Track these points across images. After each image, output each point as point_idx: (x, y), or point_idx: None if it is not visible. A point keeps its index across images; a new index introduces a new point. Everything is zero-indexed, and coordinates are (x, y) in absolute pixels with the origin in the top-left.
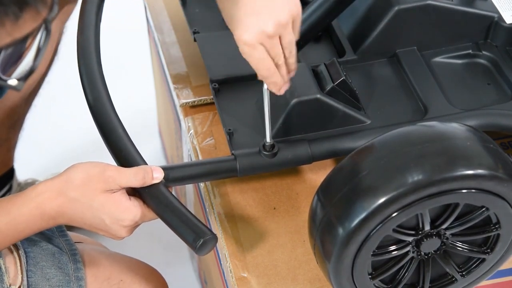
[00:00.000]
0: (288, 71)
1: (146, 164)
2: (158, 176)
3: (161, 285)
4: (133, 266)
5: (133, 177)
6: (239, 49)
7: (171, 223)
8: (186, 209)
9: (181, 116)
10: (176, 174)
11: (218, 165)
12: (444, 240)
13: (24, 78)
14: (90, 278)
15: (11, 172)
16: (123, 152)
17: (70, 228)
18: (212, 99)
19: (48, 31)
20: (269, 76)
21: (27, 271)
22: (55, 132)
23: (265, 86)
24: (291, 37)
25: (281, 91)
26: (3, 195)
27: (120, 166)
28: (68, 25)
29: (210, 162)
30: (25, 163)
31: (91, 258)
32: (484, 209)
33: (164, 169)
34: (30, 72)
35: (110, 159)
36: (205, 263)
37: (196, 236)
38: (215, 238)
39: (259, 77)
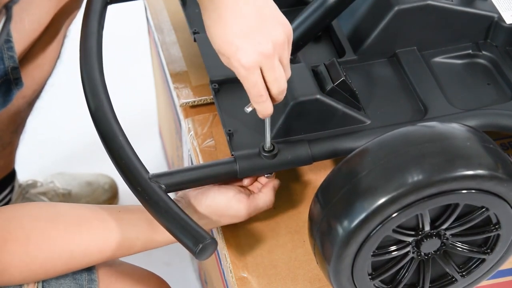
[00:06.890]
0: (275, 100)
1: (147, 172)
2: None
3: None
4: (144, 277)
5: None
6: (234, 71)
7: (171, 228)
8: (185, 214)
9: (181, 116)
10: (175, 180)
11: (217, 168)
12: (444, 240)
13: None
14: None
15: (12, 174)
16: (124, 160)
17: None
18: (212, 99)
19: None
20: (261, 102)
21: (43, 281)
22: (55, 133)
23: None
24: (288, 58)
25: (266, 116)
26: (5, 196)
27: (120, 173)
28: (72, 29)
29: (210, 165)
30: (26, 164)
31: (105, 270)
32: (484, 209)
33: (164, 175)
34: None
35: (108, 161)
36: (205, 263)
37: (196, 240)
38: (214, 242)
39: (250, 100)
